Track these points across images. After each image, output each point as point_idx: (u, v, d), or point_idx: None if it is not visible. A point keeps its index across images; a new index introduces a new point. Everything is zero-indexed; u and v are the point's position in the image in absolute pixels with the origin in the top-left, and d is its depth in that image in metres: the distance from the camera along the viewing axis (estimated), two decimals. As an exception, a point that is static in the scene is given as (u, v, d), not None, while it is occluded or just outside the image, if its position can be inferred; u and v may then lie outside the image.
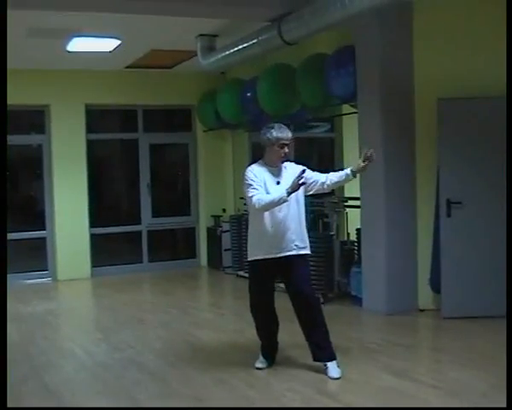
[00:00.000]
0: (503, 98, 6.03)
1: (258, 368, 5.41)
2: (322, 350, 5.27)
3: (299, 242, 5.27)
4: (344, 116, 9.17)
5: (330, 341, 5.29)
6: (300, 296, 5.30)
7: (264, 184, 5.21)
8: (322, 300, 7.85)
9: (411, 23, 7.18)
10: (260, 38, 7.63)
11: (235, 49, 8.18)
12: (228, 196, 11.49)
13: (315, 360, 5.31)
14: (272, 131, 5.23)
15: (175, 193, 12.17)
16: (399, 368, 5.35)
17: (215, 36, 8.66)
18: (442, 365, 5.59)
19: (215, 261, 11.02)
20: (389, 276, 7.20)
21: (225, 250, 10.61)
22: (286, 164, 5.35)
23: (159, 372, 5.51)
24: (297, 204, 5.26)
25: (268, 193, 5.16)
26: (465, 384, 4.92)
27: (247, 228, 9.59)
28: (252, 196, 5.13)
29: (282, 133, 5.22)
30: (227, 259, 10.55)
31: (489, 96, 6.77)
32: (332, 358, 5.24)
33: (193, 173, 11.64)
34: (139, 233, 11.28)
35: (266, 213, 5.19)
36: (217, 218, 11.14)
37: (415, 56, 7.20)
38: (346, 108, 8.59)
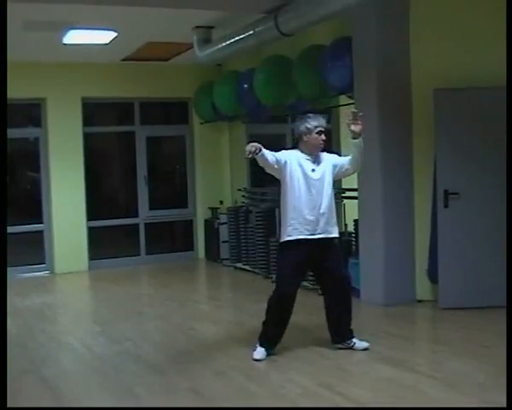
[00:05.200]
0: (499, 88, 6.02)
1: (256, 360, 5.41)
2: (350, 330, 5.64)
3: (330, 226, 5.47)
4: (341, 107, 9.17)
5: None
6: (337, 280, 5.56)
7: (301, 166, 5.39)
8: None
9: (408, 14, 7.17)
10: (257, 29, 7.62)
11: (232, 40, 8.15)
12: (225, 187, 11.47)
13: (343, 340, 5.59)
14: (309, 120, 5.45)
15: (172, 185, 12.16)
16: (397, 359, 5.36)
17: (211, 28, 8.64)
18: (440, 355, 5.59)
19: (213, 254, 11.01)
20: (387, 267, 7.20)
21: (223, 242, 10.60)
22: (321, 154, 5.54)
23: (157, 365, 5.50)
24: (329, 187, 5.46)
25: (308, 182, 5.37)
26: (463, 375, 4.93)
27: (244, 220, 9.74)
28: None
29: (319, 121, 5.45)
30: (225, 251, 10.53)
31: (486, 86, 6.76)
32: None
33: (190, 166, 11.62)
34: (136, 226, 11.28)
35: (301, 192, 5.36)
36: (214, 210, 11.13)
37: (411, 47, 7.18)
38: (343, 99, 8.58)
